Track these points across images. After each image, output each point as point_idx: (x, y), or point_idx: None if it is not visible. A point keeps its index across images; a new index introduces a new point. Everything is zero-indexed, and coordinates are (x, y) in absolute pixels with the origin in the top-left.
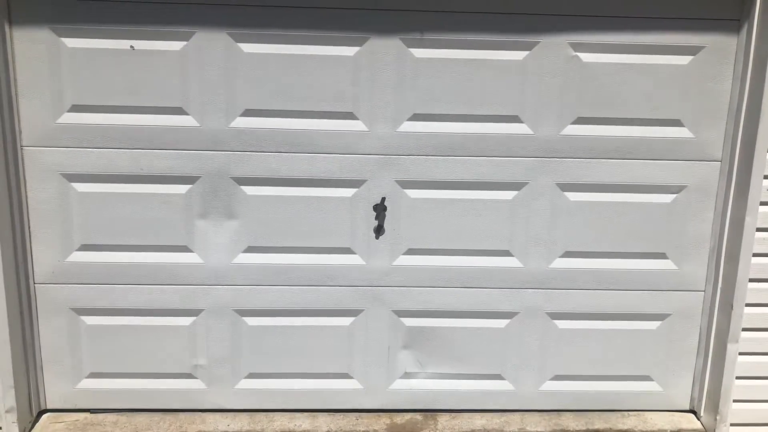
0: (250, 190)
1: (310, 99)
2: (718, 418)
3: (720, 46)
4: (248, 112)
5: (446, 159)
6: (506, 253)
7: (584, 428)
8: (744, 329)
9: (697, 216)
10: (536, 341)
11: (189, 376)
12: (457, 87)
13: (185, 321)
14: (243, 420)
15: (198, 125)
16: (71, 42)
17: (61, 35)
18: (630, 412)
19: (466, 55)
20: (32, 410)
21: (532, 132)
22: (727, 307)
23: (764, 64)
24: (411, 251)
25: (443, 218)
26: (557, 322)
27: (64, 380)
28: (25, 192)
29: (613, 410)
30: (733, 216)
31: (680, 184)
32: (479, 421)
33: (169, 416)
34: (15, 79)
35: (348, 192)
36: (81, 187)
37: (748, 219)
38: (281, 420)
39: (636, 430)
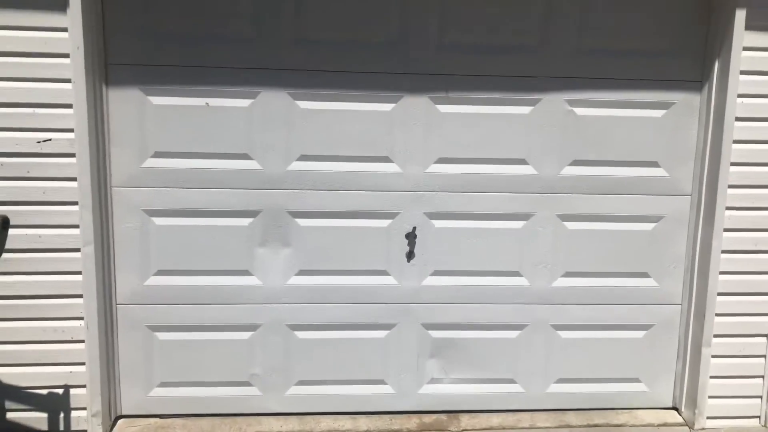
0: (302, 222)
1: (354, 146)
2: (696, 412)
3: (687, 101)
4: (303, 157)
5: (466, 195)
6: (516, 274)
7: (585, 424)
8: (715, 335)
9: (673, 241)
10: (542, 349)
11: (246, 383)
12: (474, 135)
13: (244, 335)
14: (293, 422)
15: (260, 168)
16: (156, 100)
17: (148, 94)
18: (623, 410)
19: (483, 110)
20: (111, 415)
21: (536, 172)
22: (701, 316)
23: (722, 116)
24: (437, 273)
25: (464, 244)
26: (560, 332)
27: (138, 389)
28: (112, 225)
29: (609, 408)
30: (703, 241)
31: (658, 215)
32: (496, 419)
33: (228, 420)
34: (108, 131)
35: (384, 223)
36: (159, 221)
37: (714, 243)
38: (327, 421)
39: (628, 424)
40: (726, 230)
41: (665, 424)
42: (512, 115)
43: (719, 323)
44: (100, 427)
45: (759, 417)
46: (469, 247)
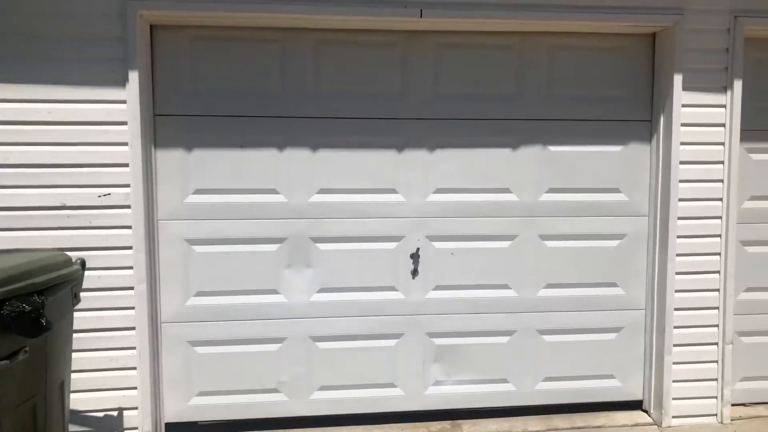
0: (322, 246)
1: (365, 180)
2: (663, 412)
3: (641, 138)
4: (322, 191)
5: (461, 219)
6: (506, 286)
7: (570, 426)
8: (675, 345)
9: (635, 255)
10: (530, 352)
11: (275, 390)
12: (465, 170)
13: (273, 347)
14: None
15: (286, 201)
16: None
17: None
18: (601, 413)
19: (471, 148)
20: (158, 425)
21: (518, 199)
22: (661, 329)
23: (668, 161)
24: (438, 287)
25: (460, 262)
26: (545, 336)
27: (179, 399)
28: (158, 253)
29: (589, 412)
30: (660, 263)
31: (622, 233)
32: (493, 426)
33: None
34: (156, 173)
35: (391, 245)
36: (199, 248)
37: (669, 266)
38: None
39: (606, 425)
40: (678, 255)
41: (637, 424)
42: (497, 152)
43: (678, 334)
44: None
45: (716, 415)
46: (465, 265)
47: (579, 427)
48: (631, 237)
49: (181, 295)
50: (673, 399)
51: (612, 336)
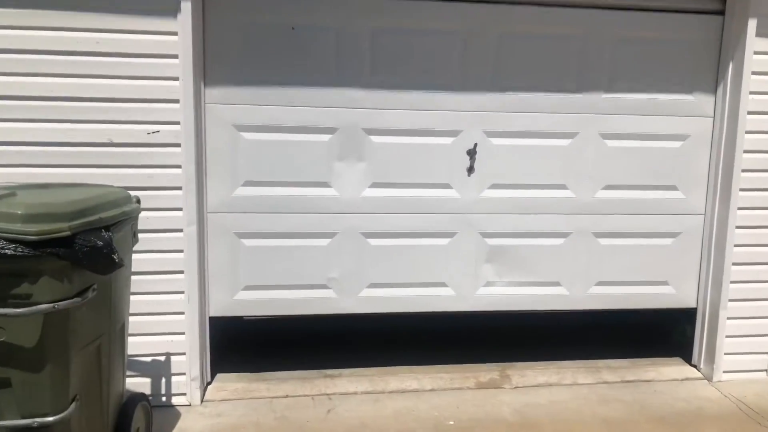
0: (375, 138)
1: (423, 74)
2: (714, 367)
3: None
4: (379, 82)
5: (521, 114)
6: (563, 187)
7: (620, 380)
8: (729, 300)
9: (698, 159)
10: (584, 255)
11: (324, 286)
12: (529, 65)
13: (323, 242)
14: (365, 383)
15: (341, 89)
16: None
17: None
18: (650, 368)
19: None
20: (204, 379)
21: (581, 95)
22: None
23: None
24: (493, 186)
25: (517, 160)
26: (600, 240)
27: (225, 292)
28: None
29: (640, 366)
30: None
31: (685, 134)
32: (542, 377)
33: (308, 383)
34: (205, 110)
35: (448, 140)
36: (248, 135)
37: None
38: (394, 382)
39: (656, 380)
40: (746, 152)
41: (687, 379)
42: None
43: (733, 289)
44: (198, 390)
45: (766, 370)
46: (523, 163)
47: (629, 381)
48: (694, 138)
49: (229, 185)
50: (725, 354)
51: (668, 241)
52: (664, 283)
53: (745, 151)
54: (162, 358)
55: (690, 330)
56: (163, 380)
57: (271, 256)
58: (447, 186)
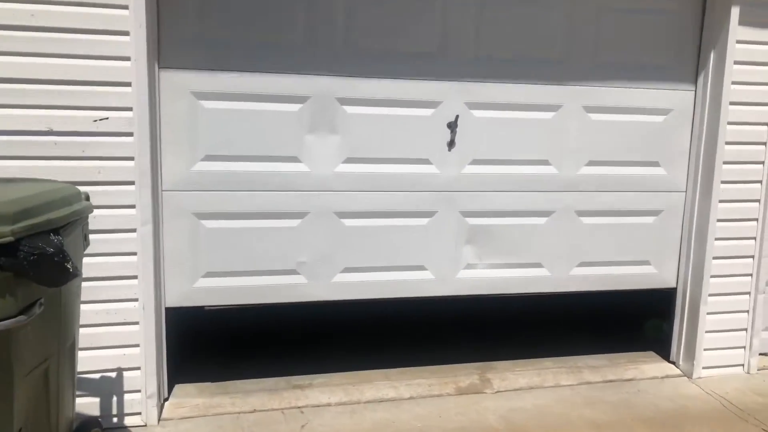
0: (350, 109)
1: (398, 39)
2: (694, 363)
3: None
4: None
5: (504, 85)
6: (546, 162)
7: (601, 379)
8: (710, 294)
9: (680, 135)
10: (567, 235)
11: (293, 272)
12: (512, 34)
13: (293, 223)
14: (340, 394)
15: (312, 51)
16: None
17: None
18: (629, 365)
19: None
20: (160, 396)
21: (565, 66)
22: (698, 280)
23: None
24: (475, 161)
25: (499, 134)
26: (582, 218)
27: (183, 280)
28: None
29: (619, 364)
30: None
31: (667, 108)
32: (522, 380)
33: (276, 395)
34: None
35: (428, 111)
36: (207, 104)
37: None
38: (370, 392)
39: (637, 378)
40: (729, 123)
41: (667, 376)
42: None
43: (714, 283)
44: (155, 408)
45: (743, 365)
46: (505, 137)
47: (610, 380)
48: (676, 113)
49: (186, 160)
50: (704, 350)
51: (650, 219)
52: (646, 262)
53: (729, 123)
54: (113, 375)
55: (664, 325)
56: (115, 399)
57: (235, 239)
58: (426, 162)
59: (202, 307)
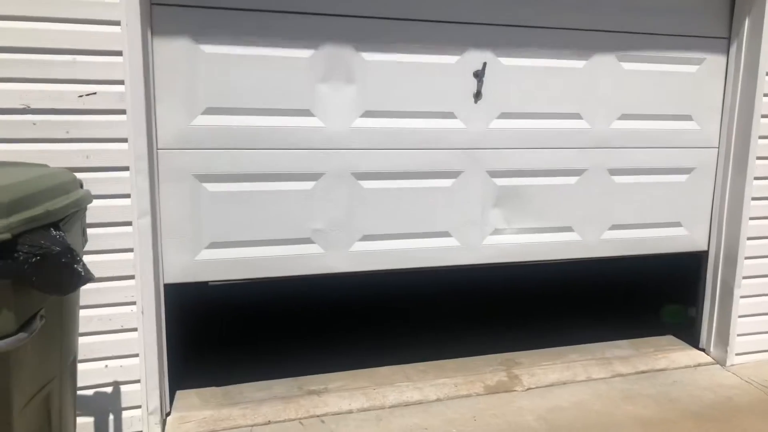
0: (367, 56)
1: None
2: (728, 350)
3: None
4: None
5: (533, 30)
6: (577, 116)
7: (633, 371)
8: (744, 277)
9: (712, 87)
10: (598, 196)
11: (307, 240)
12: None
13: (306, 185)
14: (361, 400)
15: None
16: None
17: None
18: (659, 354)
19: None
20: (162, 412)
21: (596, 20)
22: (733, 260)
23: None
24: (503, 115)
25: (529, 84)
26: (614, 177)
27: (184, 252)
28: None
29: (647, 353)
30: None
31: (700, 57)
32: (552, 375)
33: (293, 403)
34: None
35: (452, 59)
36: (208, 48)
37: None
38: (394, 395)
39: (669, 367)
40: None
41: (699, 365)
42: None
43: (747, 265)
44: (159, 426)
45: None
46: (535, 87)
47: (642, 371)
48: (709, 62)
49: (185, 113)
50: (738, 335)
51: (683, 178)
52: (677, 224)
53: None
54: (109, 390)
55: (682, 310)
56: (112, 417)
57: (241, 205)
58: (451, 115)
59: (206, 282)
